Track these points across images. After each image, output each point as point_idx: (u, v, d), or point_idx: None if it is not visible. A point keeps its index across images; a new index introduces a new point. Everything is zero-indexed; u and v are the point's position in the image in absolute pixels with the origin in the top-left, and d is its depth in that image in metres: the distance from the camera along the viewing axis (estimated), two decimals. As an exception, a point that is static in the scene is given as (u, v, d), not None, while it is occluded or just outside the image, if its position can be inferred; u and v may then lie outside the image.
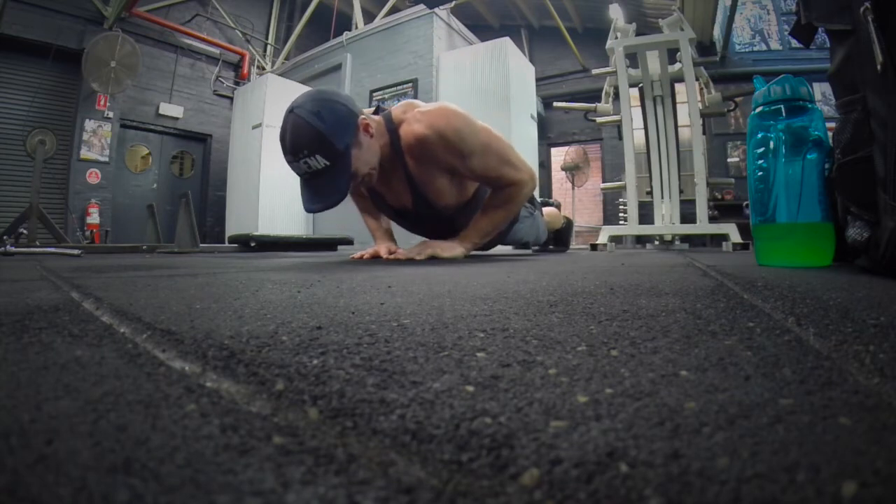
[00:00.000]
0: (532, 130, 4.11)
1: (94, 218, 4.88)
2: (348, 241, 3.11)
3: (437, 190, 1.31)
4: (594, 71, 3.93)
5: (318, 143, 1.06)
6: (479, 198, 1.43)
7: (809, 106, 0.89)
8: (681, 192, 3.20)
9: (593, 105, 3.91)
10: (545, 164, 7.13)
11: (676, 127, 3.30)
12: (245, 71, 6.30)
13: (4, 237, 2.50)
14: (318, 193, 1.11)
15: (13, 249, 1.90)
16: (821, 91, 4.93)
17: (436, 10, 4.10)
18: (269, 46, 6.69)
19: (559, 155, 7.02)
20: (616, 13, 3.92)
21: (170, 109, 5.77)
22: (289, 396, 0.20)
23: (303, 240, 2.93)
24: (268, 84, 4.69)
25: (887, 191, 0.66)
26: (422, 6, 4.10)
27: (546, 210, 2.02)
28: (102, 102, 5.05)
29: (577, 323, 0.34)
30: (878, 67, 0.65)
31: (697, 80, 3.31)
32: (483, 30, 6.12)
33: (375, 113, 1.28)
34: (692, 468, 0.13)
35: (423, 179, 1.28)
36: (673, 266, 0.93)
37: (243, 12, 6.45)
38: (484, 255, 1.73)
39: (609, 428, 0.16)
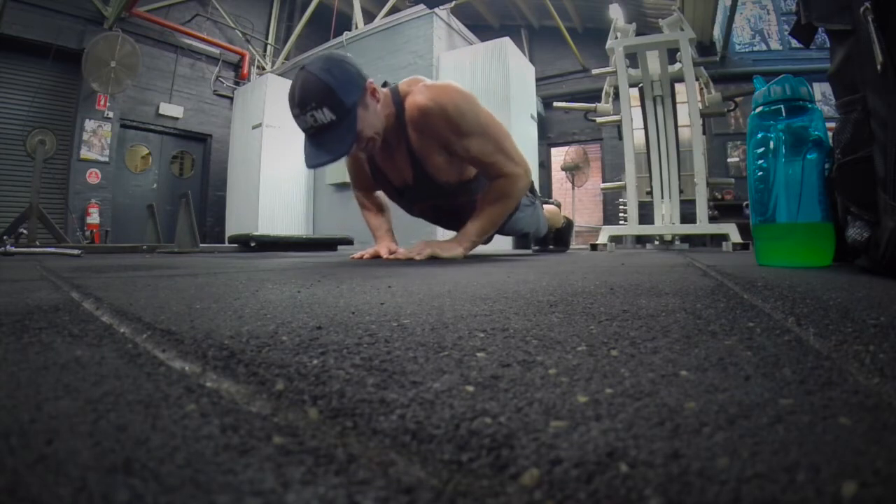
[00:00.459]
0: (532, 130, 4.11)
1: (94, 218, 4.89)
2: (348, 241, 3.11)
3: (438, 165, 1.32)
4: (594, 71, 3.93)
5: (325, 96, 1.09)
6: (480, 177, 1.42)
7: (809, 106, 0.89)
8: (681, 192, 3.20)
9: (593, 105, 3.91)
10: (545, 164, 7.13)
11: (676, 127, 3.30)
12: (245, 71, 6.30)
13: (4, 237, 2.50)
14: (322, 148, 1.13)
15: (13, 249, 1.90)
16: (821, 91, 4.93)
17: (436, 10, 4.10)
18: (269, 46, 6.69)
19: (559, 155, 7.02)
20: (616, 13, 3.92)
21: (170, 109, 5.77)
22: (289, 396, 0.20)
23: (303, 240, 2.93)
24: (268, 84, 4.70)
25: (887, 191, 0.66)
26: (422, 6, 4.10)
27: (547, 207, 2.02)
28: (102, 102, 5.05)
29: (577, 323, 0.34)
30: (878, 67, 0.65)
31: (697, 80, 3.31)
32: (483, 30, 6.12)
33: (383, 87, 1.31)
34: (692, 468, 0.13)
35: (424, 153, 1.29)
36: (673, 266, 0.93)
37: (243, 12, 6.44)
38: (484, 255, 1.73)
39: (609, 428, 0.16)
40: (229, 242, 2.88)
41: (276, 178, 4.63)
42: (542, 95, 6.41)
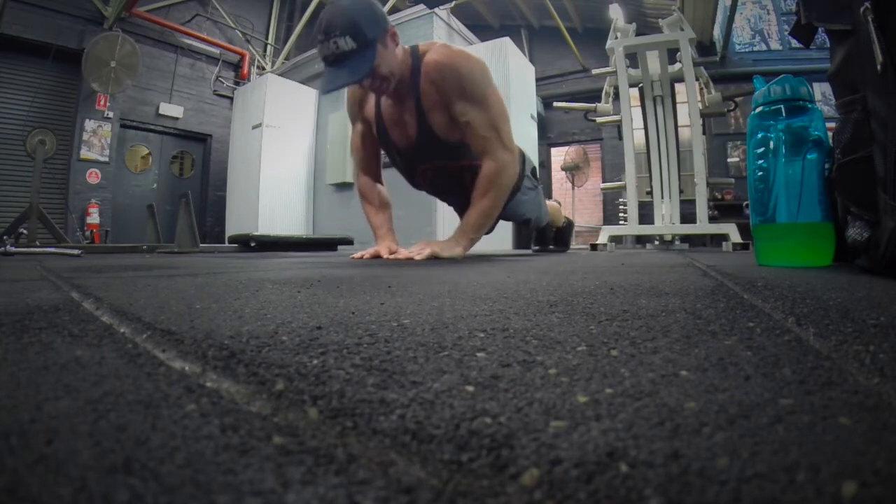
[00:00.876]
0: (532, 130, 4.11)
1: (94, 218, 4.89)
2: (348, 241, 3.11)
3: (442, 123, 1.38)
4: (594, 71, 3.93)
5: (350, 25, 1.19)
6: None
7: (809, 106, 0.89)
8: (681, 192, 3.20)
9: (593, 105, 3.92)
10: (545, 164, 7.13)
11: (676, 127, 3.30)
12: (245, 71, 6.30)
13: (4, 237, 2.50)
14: (340, 73, 1.22)
15: (13, 249, 1.90)
16: (821, 91, 4.93)
17: (436, 10, 4.10)
18: (269, 46, 6.69)
19: (559, 155, 7.02)
20: (616, 13, 3.93)
21: (170, 109, 5.77)
22: (289, 396, 0.20)
23: (303, 240, 2.93)
24: (268, 84, 4.70)
25: (887, 191, 0.66)
26: (422, 6, 4.10)
27: (549, 203, 2.04)
28: (102, 102, 5.05)
29: (577, 323, 0.34)
30: (878, 67, 0.65)
31: (697, 80, 3.31)
32: (483, 30, 6.12)
33: None
34: (692, 468, 0.13)
35: (431, 109, 1.36)
36: (673, 266, 0.93)
37: (243, 12, 6.45)
38: (484, 255, 1.73)
39: (609, 428, 0.16)
40: (229, 242, 2.88)
41: (276, 178, 4.63)
42: (542, 95, 6.41)
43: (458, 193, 1.56)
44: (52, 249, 2.03)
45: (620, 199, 5.08)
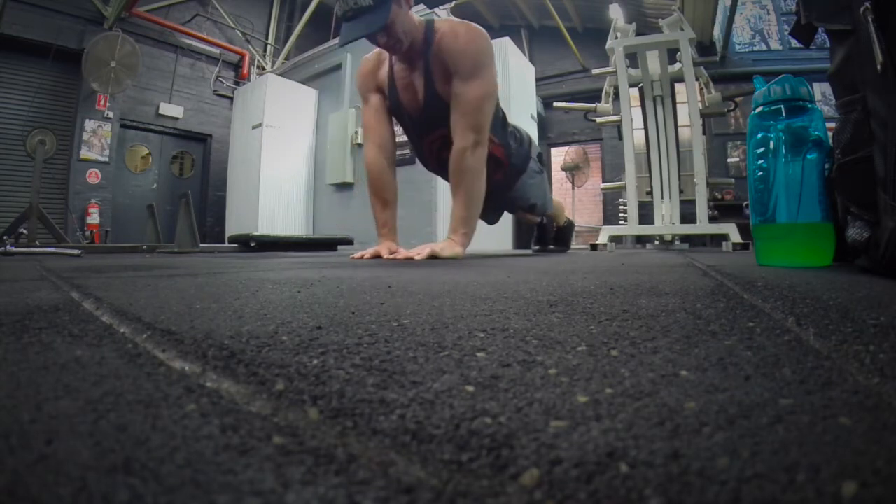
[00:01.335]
0: (532, 130, 4.11)
1: (94, 218, 4.89)
2: (348, 241, 3.11)
3: (447, 91, 1.43)
4: (594, 71, 3.93)
5: None
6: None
7: (809, 106, 0.89)
8: (681, 192, 3.20)
9: (593, 105, 3.92)
10: (547, 164, 7.12)
11: (676, 127, 3.30)
12: (245, 71, 6.30)
13: (4, 237, 2.49)
14: (357, 25, 1.30)
15: (13, 249, 1.89)
16: (821, 91, 4.93)
17: (436, 10, 4.10)
18: (269, 46, 6.69)
19: (559, 155, 7.02)
20: (616, 13, 3.93)
21: (170, 109, 5.77)
22: (289, 396, 0.20)
23: (303, 240, 2.93)
24: (268, 84, 4.70)
25: (887, 191, 0.66)
26: (422, 6, 4.10)
27: (553, 199, 2.07)
28: (102, 102, 5.05)
29: (577, 323, 0.34)
30: (878, 67, 0.65)
31: (697, 80, 3.31)
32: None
33: None
34: (692, 468, 0.13)
35: (438, 73, 1.42)
36: (673, 266, 0.93)
37: (243, 12, 6.45)
38: (484, 255, 1.74)
39: (609, 428, 0.16)
40: (229, 242, 2.88)
41: (276, 178, 4.63)
42: (542, 95, 6.41)
43: None
44: (52, 249, 2.03)
45: (620, 199, 5.09)
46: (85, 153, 4.98)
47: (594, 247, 3.02)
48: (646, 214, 3.29)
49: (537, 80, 4.62)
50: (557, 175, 7.17)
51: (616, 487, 0.12)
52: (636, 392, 0.20)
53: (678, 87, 3.33)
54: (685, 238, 3.30)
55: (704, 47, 6.05)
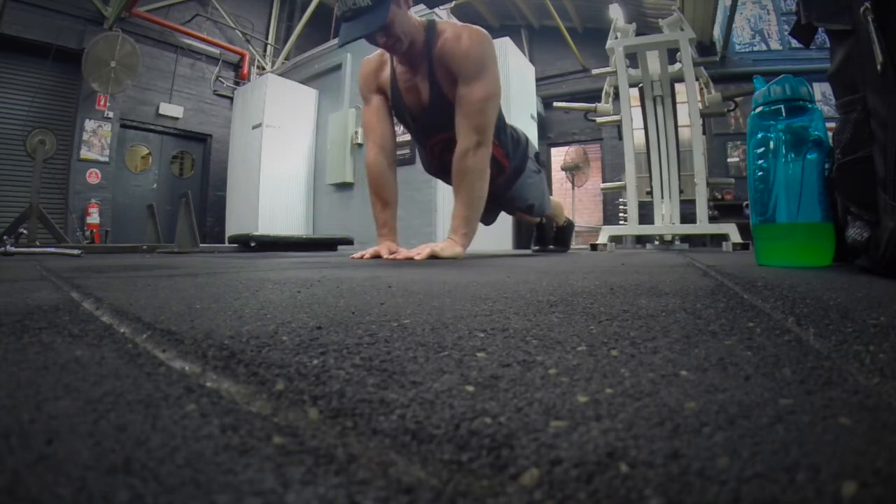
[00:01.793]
0: (532, 130, 4.11)
1: (94, 218, 4.89)
2: (348, 241, 3.11)
3: (452, 91, 1.43)
4: (594, 71, 3.93)
5: None
6: None
7: (809, 106, 0.89)
8: (681, 192, 3.20)
9: (593, 105, 3.92)
10: (545, 164, 7.12)
11: (676, 127, 3.30)
12: (245, 71, 6.30)
13: (4, 237, 2.49)
14: (356, 25, 1.31)
15: (13, 249, 1.89)
16: (821, 91, 4.93)
17: (436, 10, 4.10)
18: (269, 46, 6.69)
19: (559, 155, 7.02)
20: (616, 13, 3.93)
21: (170, 109, 5.77)
22: (289, 396, 0.20)
23: (303, 240, 2.93)
24: (268, 84, 4.70)
25: (887, 191, 0.66)
26: (422, 6, 4.10)
27: (552, 199, 2.07)
28: (102, 102, 5.05)
29: (577, 323, 0.34)
30: (878, 67, 0.65)
31: (697, 80, 3.31)
32: (483, 30, 6.11)
33: None
34: (692, 468, 0.13)
35: (442, 75, 1.43)
36: (673, 266, 0.93)
37: (243, 12, 6.45)
38: (484, 255, 1.73)
39: (609, 428, 0.16)
40: (229, 242, 2.88)
41: (276, 178, 4.63)
42: (542, 95, 6.41)
43: None
44: (52, 249, 2.03)
45: (620, 199, 5.09)
46: (85, 153, 4.98)
47: (594, 247, 3.02)
48: (646, 214, 3.29)
49: (537, 80, 4.63)
50: (557, 175, 7.17)
51: (616, 487, 0.12)
52: (636, 392, 0.20)
53: (678, 87, 3.33)
54: (685, 238, 3.30)
55: (704, 47, 6.05)
